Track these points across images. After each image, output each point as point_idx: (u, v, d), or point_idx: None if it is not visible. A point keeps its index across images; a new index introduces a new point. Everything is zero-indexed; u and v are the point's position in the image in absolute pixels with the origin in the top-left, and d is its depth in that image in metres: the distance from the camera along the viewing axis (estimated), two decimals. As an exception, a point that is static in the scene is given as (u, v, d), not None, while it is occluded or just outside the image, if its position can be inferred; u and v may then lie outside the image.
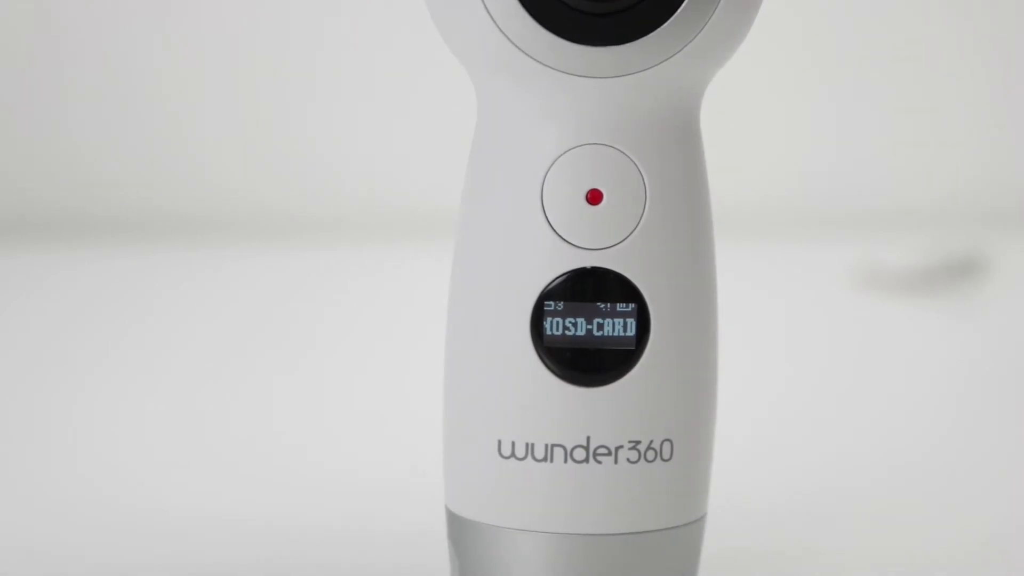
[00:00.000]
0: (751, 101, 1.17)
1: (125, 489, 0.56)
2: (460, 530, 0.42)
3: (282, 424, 0.66)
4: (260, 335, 0.85)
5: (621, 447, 0.40)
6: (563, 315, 0.40)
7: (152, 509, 0.53)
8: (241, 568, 0.48)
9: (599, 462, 0.40)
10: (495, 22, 0.39)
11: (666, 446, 0.41)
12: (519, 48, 0.39)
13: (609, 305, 0.40)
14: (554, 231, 0.40)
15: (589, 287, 0.40)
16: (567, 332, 0.40)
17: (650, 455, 0.41)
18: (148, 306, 0.93)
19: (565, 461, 0.40)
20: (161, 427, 0.65)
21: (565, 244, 0.40)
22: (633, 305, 0.40)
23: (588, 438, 0.40)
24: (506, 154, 0.41)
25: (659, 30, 0.39)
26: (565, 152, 0.40)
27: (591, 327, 0.40)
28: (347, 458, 0.60)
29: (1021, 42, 1.28)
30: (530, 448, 0.41)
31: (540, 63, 0.39)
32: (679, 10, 0.39)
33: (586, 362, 0.40)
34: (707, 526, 0.43)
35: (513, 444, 0.41)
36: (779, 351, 0.82)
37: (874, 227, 1.13)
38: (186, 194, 1.19)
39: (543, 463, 0.40)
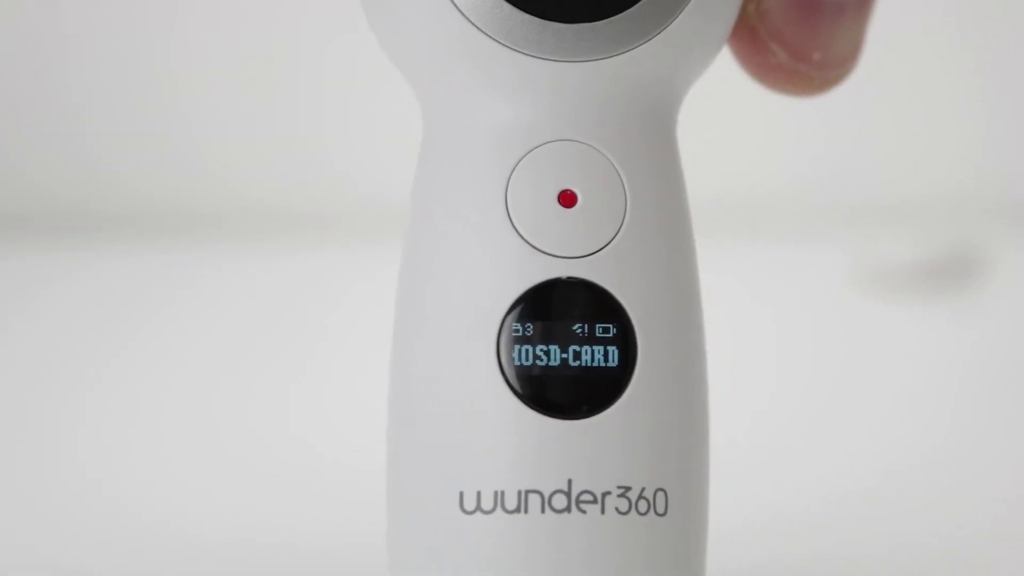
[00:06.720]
0: (742, 95, 1.16)
1: (129, 488, 0.56)
2: None
3: (290, 423, 0.66)
4: (268, 333, 0.84)
5: (609, 493, 0.35)
6: (535, 334, 0.35)
7: (153, 506, 0.54)
8: (244, 567, 0.48)
9: (583, 511, 0.34)
10: (456, 5, 0.35)
11: (660, 497, 0.35)
12: (484, 32, 0.35)
13: (589, 323, 0.35)
14: (522, 238, 0.35)
15: (564, 301, 0.35)
16: (540, 356, 0.35)
17: (642, 506, 0.35)
18: (154, 304, 0.93)
19: (543, 511, 0.34)
20: (163, 425, 0.65)
21: (536, 252, 0.35)
22: (615, 323, 0.35)
23: (569, 481, 0.34)
24: (463, 161, 0.36)
25: (633, 9, 0.35)
26: (533, 149, 0.36)
27: (569, 349, 0.35)
28: (352, 458, 0.60)
29: (1021, 35, 1.28)
30: (499, 498, 0.34)
31: (508, 47, 0.35)
32: None
33: (564, 389, 0.35)
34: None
35: (479, 495, 0.35)
36: (771, 353, 0.82)
37: (870, 224, 1.12)
38: (193, 191, 1.19)
39: (516, 515, 0.34)
